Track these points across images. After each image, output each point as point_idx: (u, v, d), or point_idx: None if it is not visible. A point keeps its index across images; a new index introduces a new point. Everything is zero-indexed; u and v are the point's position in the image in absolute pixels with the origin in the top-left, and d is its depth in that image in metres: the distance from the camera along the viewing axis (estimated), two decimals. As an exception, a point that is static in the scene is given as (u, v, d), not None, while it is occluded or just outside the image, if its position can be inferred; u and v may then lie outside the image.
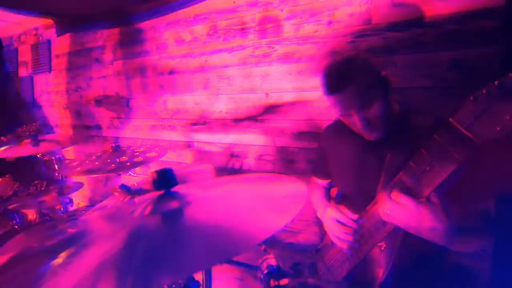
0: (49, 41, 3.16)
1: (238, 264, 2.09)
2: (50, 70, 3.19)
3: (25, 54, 3.43)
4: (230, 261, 2.10)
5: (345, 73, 1.04)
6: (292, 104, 1.83)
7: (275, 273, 1.19)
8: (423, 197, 0.82)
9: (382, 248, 1.05)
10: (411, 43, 1.46)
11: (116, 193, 1.37)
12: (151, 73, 2.44)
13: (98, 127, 2.90)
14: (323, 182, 1.48)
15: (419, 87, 1.46)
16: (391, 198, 0.88)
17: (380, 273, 1.09)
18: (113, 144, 1.81)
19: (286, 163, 1.91)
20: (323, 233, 1.37)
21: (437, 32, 1.40)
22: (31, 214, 1.93)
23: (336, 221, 1.14)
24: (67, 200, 2.12)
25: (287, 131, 1.87)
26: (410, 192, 0.84)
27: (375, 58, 1.09)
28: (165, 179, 0.76)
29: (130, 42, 2.52)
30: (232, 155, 2.09)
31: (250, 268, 2.05)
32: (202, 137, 2.23)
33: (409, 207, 0.83)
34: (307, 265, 1.37)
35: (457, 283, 1.51)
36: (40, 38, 3.25)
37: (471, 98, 0.70)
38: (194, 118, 2.25)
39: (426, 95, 1.44)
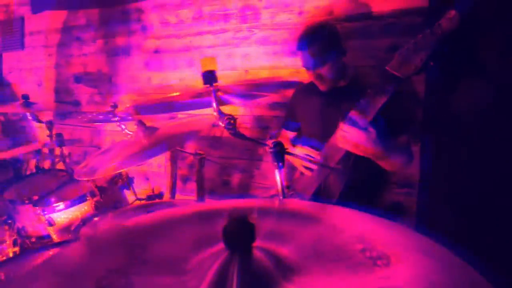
0: (22, 18, 3.19)
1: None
2: (23, 48, 3.22)
3: (-8, 31, 3.40)
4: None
5: (309, 38, 1.46)
6: (268, 79, 2.20)
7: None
8: (368, 122, 1.21)
9: (339, 167, 1.45)
10: (362, 31, 1.90)
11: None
12: (135, 51, 2.65)
13: (77, 103, 3.02)
14: (291, 135, 1.88)
15: (366, 65, 1.90)
16: (342, 129, 1.27)
17: (337, 192, 1.50)
18: (112, 103, 2.04)
19: (261, 129, 2.28)
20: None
21: (381, 23, 1.86)
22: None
23: (305, 155, 1.51)
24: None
25: (262, 102, 2.24)
26: (362, 115, 1.23)
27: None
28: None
29: (115, 22, 2.70)
30: (214, 125, 2.39)
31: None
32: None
33: (353, 132, 1.22)
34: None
35: (391, 213, 2.02)
36: (12, 15, 3.26)
37: (397, 54, 1.14)
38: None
39: (372, 72, 1.89)
